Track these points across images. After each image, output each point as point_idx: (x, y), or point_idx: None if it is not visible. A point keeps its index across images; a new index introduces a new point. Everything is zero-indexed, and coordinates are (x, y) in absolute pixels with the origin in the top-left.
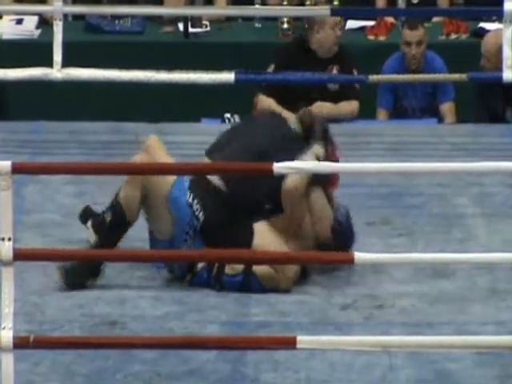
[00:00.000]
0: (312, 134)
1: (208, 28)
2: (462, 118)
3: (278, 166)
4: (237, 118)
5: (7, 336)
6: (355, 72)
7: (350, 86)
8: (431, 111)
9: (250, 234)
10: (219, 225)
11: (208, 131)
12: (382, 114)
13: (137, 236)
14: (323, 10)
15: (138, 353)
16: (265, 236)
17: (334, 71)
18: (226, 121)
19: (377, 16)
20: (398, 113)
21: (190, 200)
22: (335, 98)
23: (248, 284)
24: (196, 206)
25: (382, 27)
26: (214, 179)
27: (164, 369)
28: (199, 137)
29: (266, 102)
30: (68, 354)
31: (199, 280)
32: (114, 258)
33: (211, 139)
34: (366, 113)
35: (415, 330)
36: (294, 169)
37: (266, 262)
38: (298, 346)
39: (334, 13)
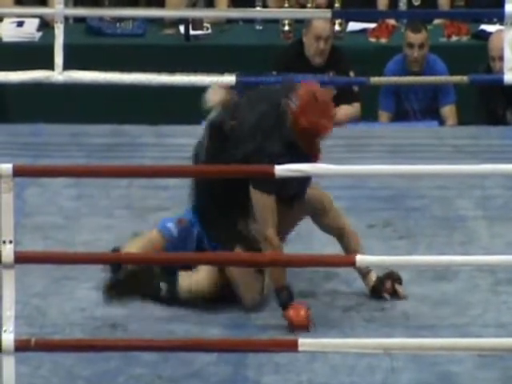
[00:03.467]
0: None
1: (209, 30)
2: (463, 120)
3: (280, 169)
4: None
5: (8, 339)
6: (352, 74)
7: (348, 89)
8: (433, 114)
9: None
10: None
11: None
12: (383, 116)
13: None
14: (324, 13)
15: (140, 355)
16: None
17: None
18: None
19: (378, 18)
20: (400, 115)
21: None
22: (334, 103)
23: None
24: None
25: (383, 29)
26: None
27: (165, 371)
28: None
29: None
30: (69, 356)
31: None
32: (124, 261)
33: None
34: (368, 115)
35: (417, 333)
36: (296, 171)
37: (266, 264)
38: (300, 348)
39: (335, 15)
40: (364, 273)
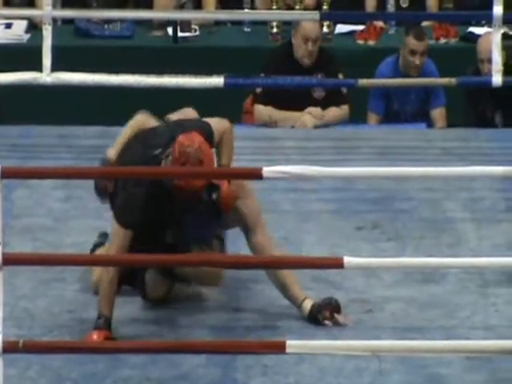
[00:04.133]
0: None
1: (197, 32)
2: (451, 122)
3: (268, 171)
4: None
5: None
6: (341, 76)
7: (336, 91)
8: (424, 116)
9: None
10: None
11: None
12: (372, 118)
13: None
14: (312, 15)
15: (128, 357)
16: None
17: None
18: None
19: (366, 20)
20: (390, 118)
21: None
22: (323, 105)
23: None
24: None
25: (371, 31)
26: None
27: (154, 373)
28: None
29: (263, 111)
30: (57, 358)
31: None
32: (106, 263)
33: None
34: (356, 117)
35: (405, 335)
36: (284, 173)
37: (256, 266)
38: (288, 350)
39: (323, 17)
40: (299, 302)
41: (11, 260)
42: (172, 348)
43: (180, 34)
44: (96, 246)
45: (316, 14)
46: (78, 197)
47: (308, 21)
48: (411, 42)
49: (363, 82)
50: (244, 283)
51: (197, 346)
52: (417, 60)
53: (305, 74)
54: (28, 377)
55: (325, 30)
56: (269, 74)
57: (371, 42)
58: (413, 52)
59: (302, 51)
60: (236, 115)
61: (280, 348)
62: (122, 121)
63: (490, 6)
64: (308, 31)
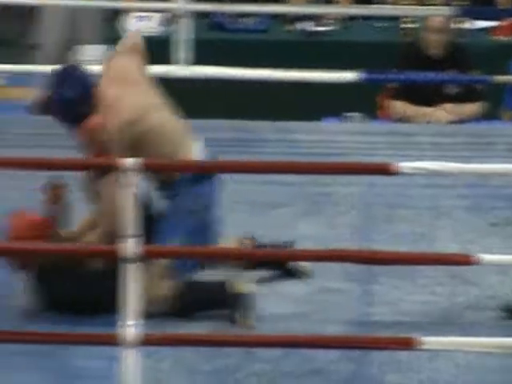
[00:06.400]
0: None
1: (330, 27)
2: None
3: (404, 166)
4: (359, 118)
5: (132, 333)
6: (475, 73)
7: (470, 87)
8: None
9: None
10: None
11: (328, 130)
12: (507, 115)
13: None
14: (446, 10)
15: (260, 351)
16: None
17: None
18: (346, 119)
19: (500, 16)
20: None
21: None
22: (456, 101)
23: None
24: None
25: (505, 27)
26: None
27: (286, 368)
28: (319, 136)
29: (399, 107)
30: (190, 351)
31: None
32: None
33: (331, 138)
34: (490, 114)
35: None
36: (421, 169)
37: (386, 262)
38: (422, 346)
39: (457, 13)
40: None
41: (148, 253)
42: (305, 343)
43: (313, 29)
44: None
45: (450, 10)
46: None
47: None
48: None
49: (499, 78)
50: (375, 277)
51: (330, 340)
52: None
53: (436, 68)
54: (161, 369)
55: (459, 25)
56: (401, 69)
57: (506, 38)
58: None
59: (429, 41)
60: (369, 110)
61: (414, 344)
62: (255, 114)
63: None
64: (435, 22)
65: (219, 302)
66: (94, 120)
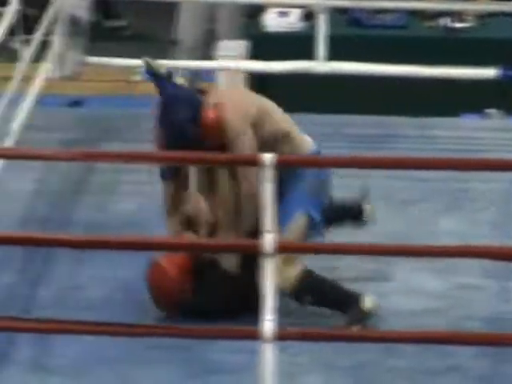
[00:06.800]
0: None
1: (470, 23)
2: None
3: None
4: (498, 114)
5: (269, 328)
6: None
7: None
8: None
9: None
10: None
11: (466, 126)
12: None
13: None
14: None
15: (399, 347)
16: None
17: None
18: (485, 116)
19: None
20: None
21: None
22: None
23: None
24: None
25: None
26: None
27: (425, 364)
28: (458, 132)
29: None
30: (327, 346)
31: None
32: None
33: (469, 134)
34: None
35: None
36: None
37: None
38: None
39: None
40: None
41: (283, 248)
42: (444, 338)
43: (453, 25)
44: None
45: None
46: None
47: None
48: None
49: None
50: None
51: (469, 337)
52: None
53: None
54: (298, 363)
55: None
56: None
57: None
58: None
59: None
60: (509, 107)
61: None
62: (396, 110)
63: None
64: None
65: (340, 304)
66: (214, 116)
